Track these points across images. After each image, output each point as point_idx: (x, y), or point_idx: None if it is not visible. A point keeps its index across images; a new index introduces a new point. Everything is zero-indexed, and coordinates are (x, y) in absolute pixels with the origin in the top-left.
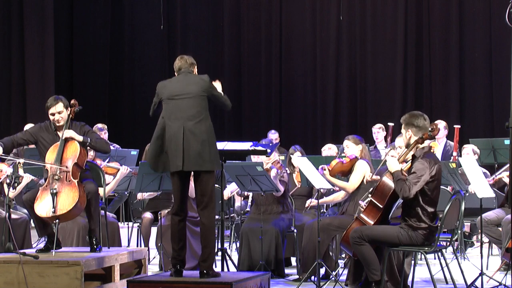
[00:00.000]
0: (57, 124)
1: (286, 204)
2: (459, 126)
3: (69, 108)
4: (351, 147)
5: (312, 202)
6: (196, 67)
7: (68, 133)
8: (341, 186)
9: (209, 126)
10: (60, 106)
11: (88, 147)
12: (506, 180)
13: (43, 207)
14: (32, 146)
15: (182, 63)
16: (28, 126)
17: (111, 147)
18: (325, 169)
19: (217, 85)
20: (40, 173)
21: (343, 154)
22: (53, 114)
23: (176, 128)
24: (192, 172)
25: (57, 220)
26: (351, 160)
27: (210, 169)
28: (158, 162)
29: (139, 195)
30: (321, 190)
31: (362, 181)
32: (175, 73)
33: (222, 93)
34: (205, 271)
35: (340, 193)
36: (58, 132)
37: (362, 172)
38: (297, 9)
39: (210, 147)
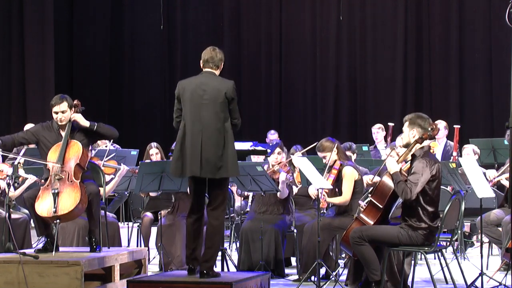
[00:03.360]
0: (60, 123)
1: (288, 206)
2: (459, 126)
3: (72, 108)
4: (329, 156)
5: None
6: (223, 63)
7: (76, 116)
8: (339, 203)
9: (228, 132)
10: (64, 106)
11: (95, 135)
12: (505, 182)
13: (44, 206)
14: (32, 146)
15: (213, 56)
16: (28, 126)
17: (111, 147)
18: (323, 194)
19: None
20: (41, 173)
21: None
22: (56, 113)
23: (195, 133)
24: None
25: (57, 220)
26: (338, 169)
27: (226, 176)
28: (177, 166)
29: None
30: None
31: (356, 184)
32: (201, 63)
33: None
34: (205, 271)
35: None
36: (61, 131)
37: (351, 178)
38: (297, 9)
39: (227, 153)
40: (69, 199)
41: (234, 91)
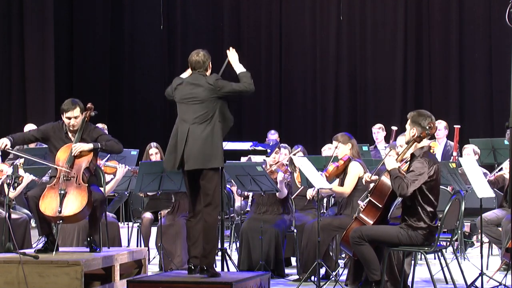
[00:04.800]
0: (71, 129)
1: (287, 205)
2: (459, 126)
3: (83, 112)
4: (341, 147)
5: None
6: (210, 62)
7: (77, 148)
8: (338, 192)
9: (214, 127)
10: (77, 111)
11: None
12: (508, 176)
13: (48, 205)
14: (32, 145)
15: (198, 60)
16: (28, 126)
17: None
18: (325, 175)
19: (233, 54)
20: (41, 174)
21: (335, 155)
22: (69, 118)
23: (184, 130)
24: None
25: (60, 221)
26: (345, 162)
27: (211, 166)
28: (168, 160)
29: None
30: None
31: (358, 181)
32: (189, 68)
33: (242, 68)
34: (205, 267)
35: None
36: (69, 134)
37: (356, 174)
38: (297, 9)
39: (212, 145)
40: (76, 201)
41: (220, 80)
